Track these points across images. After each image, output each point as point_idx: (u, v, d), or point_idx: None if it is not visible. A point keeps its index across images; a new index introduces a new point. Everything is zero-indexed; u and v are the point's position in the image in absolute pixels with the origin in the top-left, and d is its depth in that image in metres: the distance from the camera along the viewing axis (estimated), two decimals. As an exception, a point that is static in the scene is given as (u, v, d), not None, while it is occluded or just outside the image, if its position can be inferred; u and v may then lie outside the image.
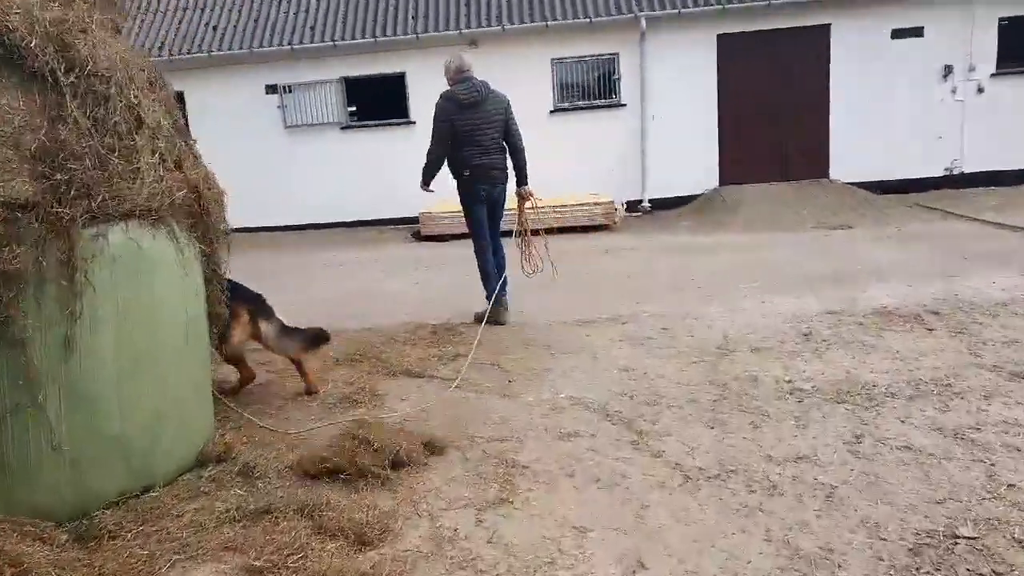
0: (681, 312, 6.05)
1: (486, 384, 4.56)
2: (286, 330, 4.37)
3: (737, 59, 12.35)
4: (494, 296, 5.72)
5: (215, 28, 12.63)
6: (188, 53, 12.27)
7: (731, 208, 11.68)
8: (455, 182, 5.87)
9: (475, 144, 5.62)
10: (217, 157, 12.15)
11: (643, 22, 12.15)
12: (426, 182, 5.97)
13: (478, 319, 5.77)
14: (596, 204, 11.29)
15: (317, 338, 4.46)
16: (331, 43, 12.28)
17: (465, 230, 6.34)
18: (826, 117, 12.44)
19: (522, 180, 5.97)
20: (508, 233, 6.37)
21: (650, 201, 12.70)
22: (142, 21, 12.81)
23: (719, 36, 12.29)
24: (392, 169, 12.80)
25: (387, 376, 4.80)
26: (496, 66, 12.56)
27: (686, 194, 12.65)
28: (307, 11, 12.76)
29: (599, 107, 12.76)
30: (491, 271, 5.87)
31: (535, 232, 6.20)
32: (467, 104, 5.58)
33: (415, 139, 12.74)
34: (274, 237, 12.23)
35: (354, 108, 12.97)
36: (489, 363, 4.98)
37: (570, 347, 5.26)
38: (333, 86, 12.61)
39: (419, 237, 11.26)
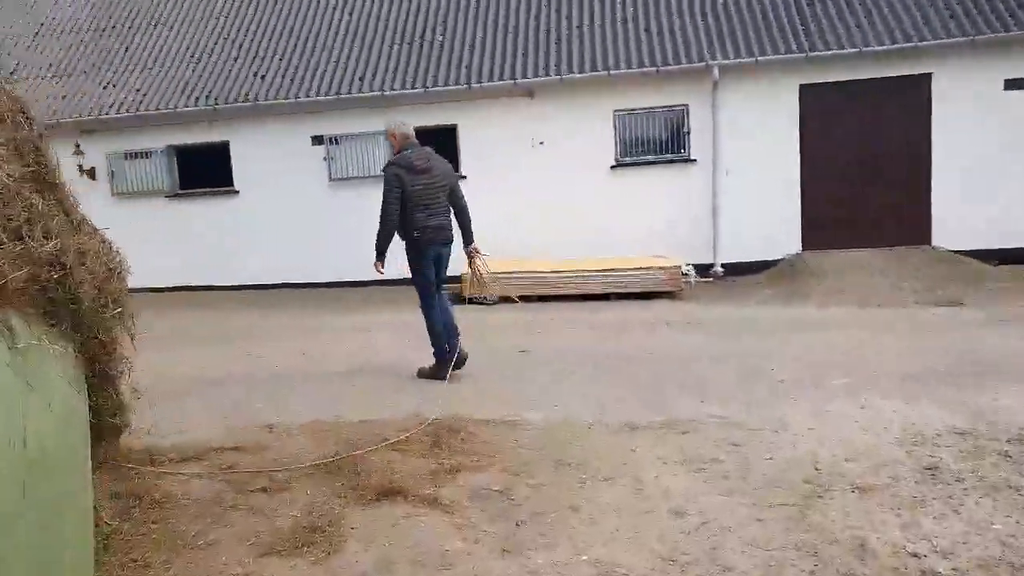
0: (757, 418, 4.75)
1: (485, 528, 3.38)
2: None
3: (822, 111, 11.06)
4: (454, 350, 5.98)
5: (263, 77, 12.18)
6: (235, 102, 11.81)
7: (816, 276, 10.25)
8: (404, 244, 5.96)
9: (426, 207, 5.78)
10: (261, 210, 11.53)
11: (716, 71, 11.04)
12: (381, 254, 6.01)
13: (424, 375, 6.03)
14: (660, 268, 10.05)
15: None
16: (379, 93, 11.61)
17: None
18: (927, 176, 10.93)
19: (469, 240, 6.20)
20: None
21: (723, 266, 11.37)
22: (192, 69, 12.48)
23: (802, 87, 11.04)
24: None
25: (361, 501, 3.68)
26: (553, 118, 11.68)
27: (763, 259, 11.27)
28: (357, 60, 12.19)
29: (666, 162, 11.62)
30: (440, 330, 6.01)
31: (495, 279, 6.59)
32: (419, 169, 5.74)
33: (467, 193, 11.89)
34: (318, 294, 11.45)
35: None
36: (498, 488, 3.81)
37: (609, 468, 4.03)
38: (381, 138, 11.91)
39: (461, 298, 10.25)
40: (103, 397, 2.69)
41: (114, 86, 12.47)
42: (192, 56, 12.75)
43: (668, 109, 11.54)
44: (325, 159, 12.00)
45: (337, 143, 11.97)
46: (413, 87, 11.61)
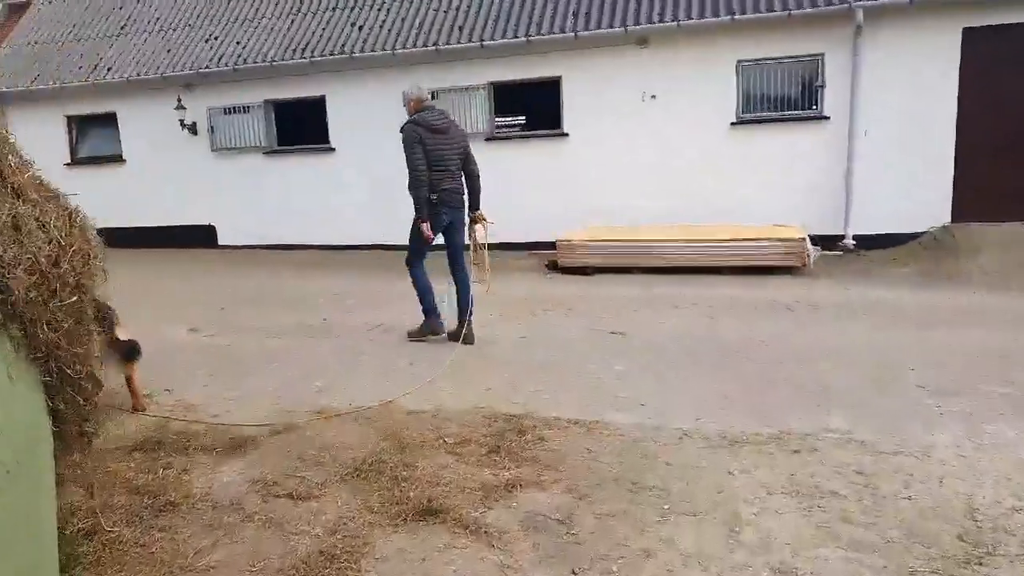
0: (891, 438, 3.82)
1: (533, 573, 2.72)
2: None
3: (989, 60, 9.40)
4: (435, 319, 6.02)
5: (360, 28, 11.71)
6: (331, 54, 11.43)
7: (968, 254, 8.81)
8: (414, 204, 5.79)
9: (443, 169, 5.70)
10: (355, 168, 11.19)
11: (860, 14, 9.59)
12: (424, 215, 5.73)
13: (413, 335, 6.09)
14: (781, 240, 8.90)
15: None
16: (478, 43, 10.89)
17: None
18: (1118, 138, 9.13)
19: (476, 205, 6.08)
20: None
21: (855, 238, 10.04)
22: (291, 23, 12.19)
23: (965, 31, 9.42)
24: (538, 186, 11.21)
25: (395, 521, 3.10)
26: (669, 69, 10.59)
27: (905, 231, 9.85)
28: (457, 10, 11.48)
29: (794, 119, 10.31)
30: (426, 285, 5.99)
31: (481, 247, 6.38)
32: (437, 129, 5.68)
33: (567, 152, 11.08)
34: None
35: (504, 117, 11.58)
36: (558, 517, 3.13)
37: (698, 498, 3.26)
38: (480, 92, 11.23)
39: (556, 268, 9.51)
40: (64, 402, 2.21)
41: (217, 39, 12.38)
42: (291, 7, 12.44)
43: (799, 59, 10.19)
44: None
45: (434, 98, 11.36)
46: (515, 36, 10.80)
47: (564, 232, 9.87)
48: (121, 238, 13.38)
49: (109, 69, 12.56)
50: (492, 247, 11.46)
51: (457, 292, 6.03)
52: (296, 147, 12.32)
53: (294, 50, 11.70)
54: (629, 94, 10.71)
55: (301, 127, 12.46)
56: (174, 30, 12.83)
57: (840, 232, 10.10)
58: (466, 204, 5.98)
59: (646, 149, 10.73)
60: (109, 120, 12.98)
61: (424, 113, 5.74)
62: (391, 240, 11.74)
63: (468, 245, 6.26)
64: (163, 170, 12.73)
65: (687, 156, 10.59)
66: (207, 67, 11.92)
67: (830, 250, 9.80)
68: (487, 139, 11.35)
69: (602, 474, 3.50)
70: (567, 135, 11.07)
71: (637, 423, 4.13)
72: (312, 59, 11.46)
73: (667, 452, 3.74)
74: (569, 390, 4.75)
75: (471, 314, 5.92)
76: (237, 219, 12.52)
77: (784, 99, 10.40)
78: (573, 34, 10.54)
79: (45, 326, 2.07)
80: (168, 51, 12.46)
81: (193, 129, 12.33)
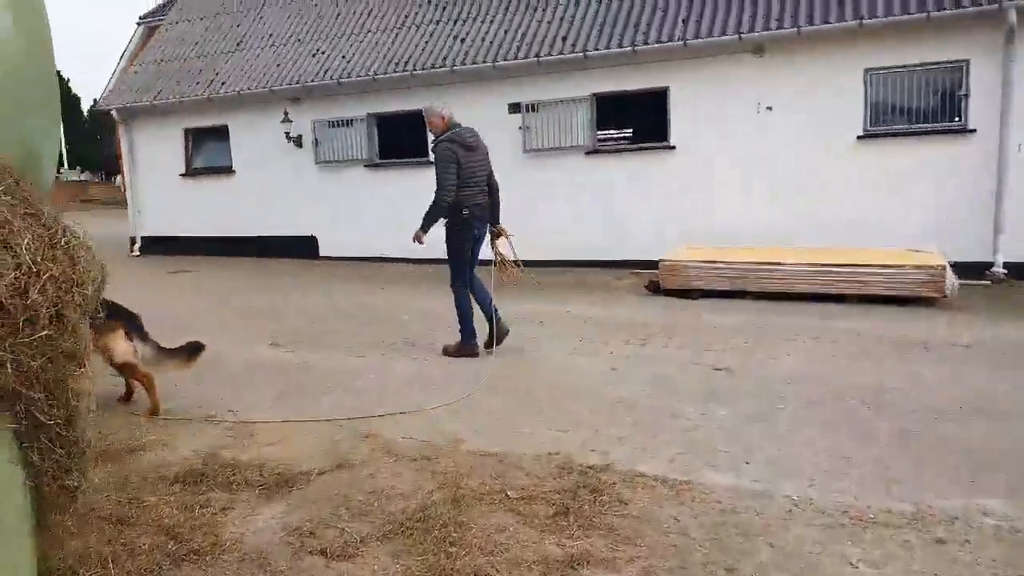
0: (1072, 533, 2.99)
1: None
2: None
3: None
4: (471, 342, 5.99)
5: (462, 40, 11.50)
6: (432, 68, 11.26)
7: None
8: (447, 222, 5.88)
9: (474, 185, 5.78)
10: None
11: (1012, 15, 8.47)
12: (427, 228, 5.88)
13: (449, 352, 6.02)
14: (919, 267, 7.85)
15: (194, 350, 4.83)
16: (581, 54, 10.42)
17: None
18: None
19: (497, 219, 6.19)
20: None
21: (1006, 266, 8.83)
22: (394, 37, 12.15)
23: None
24: (638, 202, 10.59)
25: (434, 600, 2.62)
26: (785, 79, 9.74)
27: (1066, 261, 8.58)
28: (562, 19, 11.07)
29: (931, 132, 9.22)
30: (470, 311, 5.97)
31: (516, 264, 6.46)
32: (470, 147, 5.74)
33: (673, 166, 10.40)
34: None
35: (607, 130, 11.02)
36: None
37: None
38: (582, 105, 10.74)
39: (658, 289, 8.83)
40: (38, 452, 1.88)
41: (323, 53, 12.51)
42: (395, 21, 12.41)
43: (938, 66, 9.12)
44: (521, 128, 11.08)
45: (535, 110, 10.99)
46: (620, 46, 10.26)
47: (668, 251, 9.19)
48: (228, 247, 13.87)
49: (223, 84, 12.95)
50: (591, 264, 11.00)
51: (475, 298, 6.04)
52: (397, 160, 12.24)
53: (396, 63, 11.62)
54: (742, 105, 9.94)
55: (403, 140, 12.38)
56: (284, 45, 13.09)
57: (986, 259, 8.92)
58: (488, 220, 6.11)
59: (760, 164, 9.91)
60: (222, 133, 13.38)
61: (458, 131, 5.79)
62: (487, 255, 11.42)
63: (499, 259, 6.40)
64: (269, 182, 12.97)
65: (806, 171, 9.70)
66: (313, 81, 12.04)
67: (973, 279, 8.64)
68: (588, 152, 10.84)
69: (689, 555, 2.89)
70: (673, 148, 10.39)
71: (737, 486, 3.48)
72: (413, 72, 11.34)
73: (772, 530, 3.08)
74: (660, 438, 4.14)
75: (497, 314, 6.01)
76: (338, 231, 12.56)
77: (919, 110, 9.35)
78: (682, 42, 9.89)
79: (8, 365, 1.74)
80: (277, 65, 12.71)
81: (298, 142, 12.49)
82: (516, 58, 10.82)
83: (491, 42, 11.25)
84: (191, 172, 13.87)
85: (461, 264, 5.93)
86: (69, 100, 36.76)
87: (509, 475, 3.64)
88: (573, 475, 3.63)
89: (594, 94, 10.74)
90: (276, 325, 7.48)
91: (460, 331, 5.98)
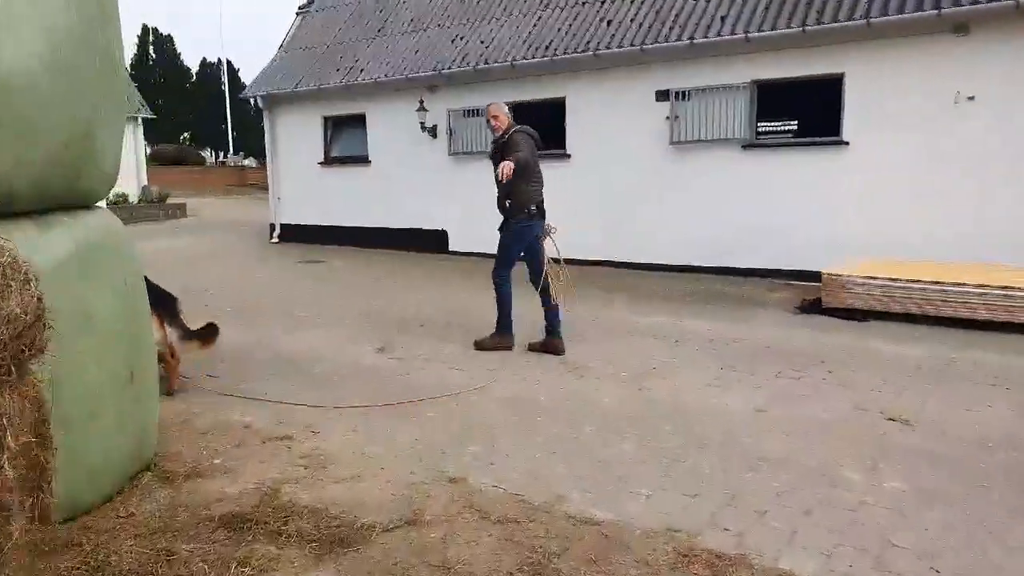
0: None
1: None
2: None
3: None
4: (508, 335, 5.96)
5: (609, 22, 10.60)
6: (574, 52, 10.46)
7: None
8: (512, 217, 5.85)
9: (538, 182, 5.79)
10: (590, 176, 10.18)
11: None
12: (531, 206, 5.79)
13: (482, 346, 5.95)
14: None
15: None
16: (742, 36, 9.23)
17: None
18: None
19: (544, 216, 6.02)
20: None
21: None
22: (537, 19, 11.45)
23: None
24: (799, 204, 9.29)
25: None
26: (997, 63, 8.10)
27: None
28: (721, -4, 9.92)
29: None
30: (511, 304, 5.91)
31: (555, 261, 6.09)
32: (536, 141, 5.75)
33: (846, 165, 9.01)
34: (631, 277, 9.74)
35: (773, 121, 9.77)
36: None
37: None
38: (741, 93, 9.55)
39: (816, 307, 7.58)
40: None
41: (462, 39, 12.03)
42: (540, 2, 11.70)
43: None
44: (668, 118, 10.05)
45: (685, 98, 9.93)
46: (788, 26, 8.99)
47: (833, 262, 7.90)
48: (361, 238, 13.81)
49: (362, 71, 12.81)
50: (730, 272, 9.83)
51: (545, 301, 5.94)
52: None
53: (536, 48, 10.93)
54: (934, 95, 8.41)
55: (538, 132, 11.68)
56: (425, 30, 12.76)
57: None
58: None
59: (954, 165, 8.35)
60: (359, 121, 13.28)
61: (525, 127, 5.81)
62: (620, 256, 10.55)
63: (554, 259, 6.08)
64: (403, 173, 12.71)
65: (1016, 177, 8.03)
66: (449, 68, 11.59)
67: None
68: (745, 146, 9.65)
69: None
70: (847, 144, 9.00)
71: None
72: (554, 58, 10.60)
73: None
74: (813, 517, 3.15)
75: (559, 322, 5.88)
76: (469, 225, 12.07)
77: None
78: (864, 21, 8.48)
79: None
80: (416, 52, 12.39)
81: (433, 132, 12.11)
82: (667, 41, 9.80)
83: (640, 24, 10.29)
84: (329, 161, 13.90)
85: (510, 257, 5.94)
86: (237, 89, 39.23)
87: (613, 558, 2.82)
88: (696, 566, 2.75)
89: (755, 81, 9.52)
90: (388, 327, 7.01)
91: (497, 322, 5.96)
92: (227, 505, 3.27)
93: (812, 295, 7.86)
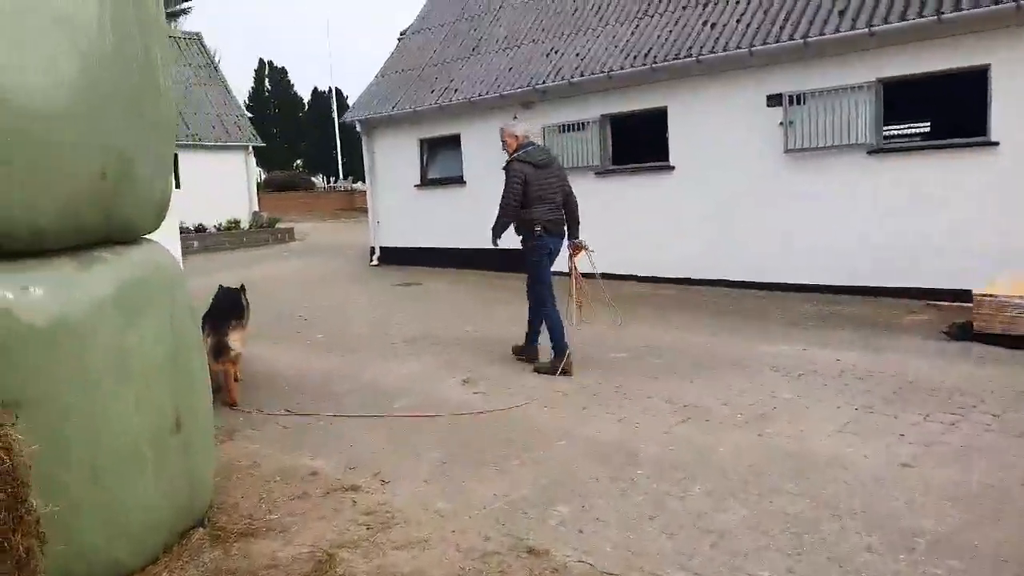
0: None
1: None
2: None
3: None
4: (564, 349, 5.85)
5: (713, 25, 9.89)
6: (675, 59, 9.81)
7: None
8: (521, 238, 6.03)
9: (547, 201, 5.90)
10: (696, 188, 9.48)
11: None
12: (493, 240, 6.07)
13: (542, 370, 5.89)
14: None
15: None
16: (865, 30, 8.32)
17: None
18: None
19: (576, 234, 6.16)
20: None
21: None
22: (635, 27, 10.87)
23: None
24: (937, 214, 8.23)
25: None
26: None
27: None
28: (838, -10, 9.02)
29: None
30: (558, 321, 5.93)
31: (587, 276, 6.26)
32: (539, 165, 5.86)
33: (995, 168, 7.90)
34: (745, 299, 8.92)
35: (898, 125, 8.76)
36: None
37: None
38: (864, 93, 8.61)
39: (964, 333, 6.55)
40: None
41: (557, 52, 11.60)
42: (638, 10, 11.12)
43: None
44: (782, 124, 9.21)
45: (800, 102, 9.07)
46: (920, 15, 8.01)
47: (979, 279, 6.86)
48: (460, 260, 13.54)
49: (456, 91, 12.60)
50: (854, 291, 8.82)
51: (532, 311, 6.13)
52: (630, 166, 10.95)
53: (634, 57, 10.34)
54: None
55: (638, 143, 11.09)
56: (519, 47, 12.42)
57: None
58: (564, 235, 6.09)
59: None
60: (454, 142, 13.08)
61: (529, 150, 5.91)
62: (729, 274, 9.74)
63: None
64: (499, 192, 12.31)
65: None
66: (543, 83, 11.18)
67: None
68: (870, 152, 8.68)
69: None
70: (995, 145, 7.90)
71: None
72: (654, 65, 9.97)
73: None
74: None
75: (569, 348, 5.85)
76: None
77: None
78: (1015, 4, 7.42)
79: None
80: (510, 69, 12.06)
81: (528, 149, 11.71)
82: (778, 41, 8.99)
83: (747, 25, 9.52)
84: (425, 182, 13.76)
85: (544, 280, 5.99)
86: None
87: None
88: None
89: (880, 79, 8.55)
90: (478, 355, 6.59)
91: (552, 347, 5.90)
92: (276, 574, 2.88)
93: (961, 318, 6.84)
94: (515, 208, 5.87)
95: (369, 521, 3.34)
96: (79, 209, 2.59)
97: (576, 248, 6.14)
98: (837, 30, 8.56)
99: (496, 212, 6.02)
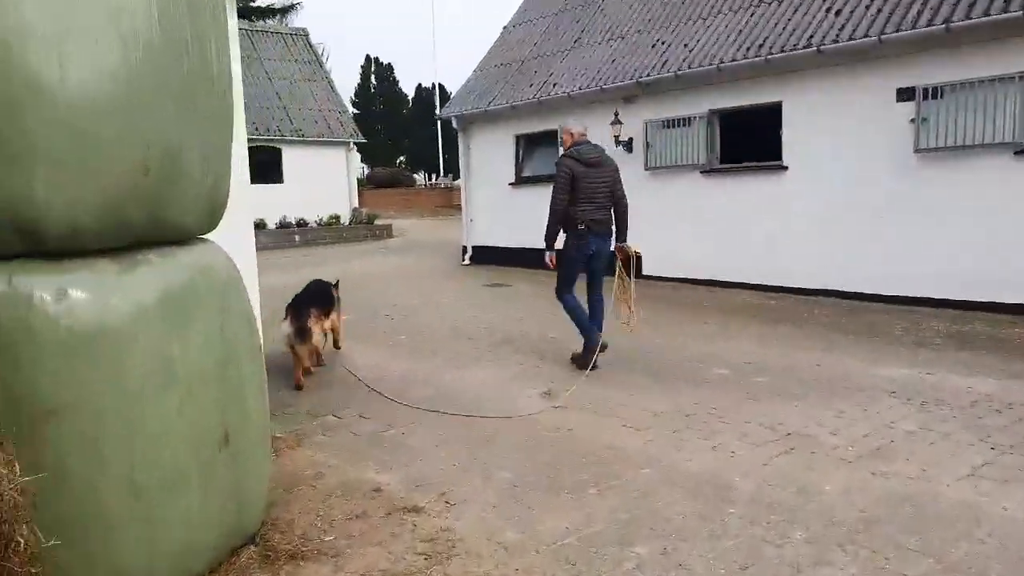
0: None
1: None
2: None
3: None
4: (595, 341, 5.93)
5: (837, 13, 9.08)
6: (792, 50, 9.07)
7: None
8: (565, 236, 6.01)
9: (592, 200, 5.87)
10: (812, 191, 8.75)
11: None
12: (548, 246, 6.03)
13: (582, 364, 5.95)
14: None
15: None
16: (1019, 12, 7.37)
17: None
18: None
19: (623, 237, 6.10)
20: None
21: None
22: (750, 15, 10.16)
23: None
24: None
25: None
26: None
27: None
28: (983, -30, 8.06)
29: None
30: (581, 314, 6.02)
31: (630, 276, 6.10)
32: (590, 163, 5.87)
33: None
34: (858, 310, 8.14)
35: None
36: None
37: None
38: (1013, 87, 7.65)
39: None
40: None
41: (664, 44, 11.04)
42: (753, 2, 10.41)
43: None
44: (913, 120, 8.34)
45: (938, 96, 8.17)
46: (1083, -3, 7.02)
47: None
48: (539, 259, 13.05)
49: (555, 85, 12.24)
50: (1004, 309, 7.85)
51: (590, 313, 6.04)
52: (740, 165, 10.27)
53: (748, 48, 9.67)
54: None
55: (749, 141, 10.39)
56: (623, 38, 11.92)
57: None
58: (613, 234, 6.04)
59: None
60: (551, 139, 12.71)
61: (580, 147, 5.92)
62: (848, 285, 8.95)
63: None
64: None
65: None
66: (647, 76, 10.65)
67: None
68: (1019, 152, 7.70)
69: None
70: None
71: None
72: (769, 56, 9.28)
73: None
74: None
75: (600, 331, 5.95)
76: (666, 246, 10.98)
77: None
78: None
79: None
80: (612, 62, 11.58)
81: (628, 146, 11.21)
82: (914, 27, 8.13)
83: (878, 10, 8.68)
84: (520, 180, 13.46)
85: (569, 275, 6.05)
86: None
87: None
88: None
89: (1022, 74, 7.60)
90: (561, 364, 6.23)
91: (584, 343, 6.01)
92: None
93: None
94: (564, 206, 5.85)
95: (428, 550, 3.06)
96: (121, 206, 2.41)
97: (621, 251, 6.09)
98: (987, 13, 7.64)
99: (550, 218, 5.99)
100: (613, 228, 6.03)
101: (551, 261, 6.04)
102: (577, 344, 6.23)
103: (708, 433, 4.45)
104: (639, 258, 6.11)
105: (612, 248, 6.05)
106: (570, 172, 5.80)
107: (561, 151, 6.19)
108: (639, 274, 6.19)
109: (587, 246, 5.90)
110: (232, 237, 3.28)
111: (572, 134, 6.06)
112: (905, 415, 4.69)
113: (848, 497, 3.49)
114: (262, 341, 4.40)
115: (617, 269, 6.15)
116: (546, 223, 5.96)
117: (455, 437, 4.46)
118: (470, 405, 5.11)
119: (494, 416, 4.86)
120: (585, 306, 6.06)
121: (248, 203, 4.32)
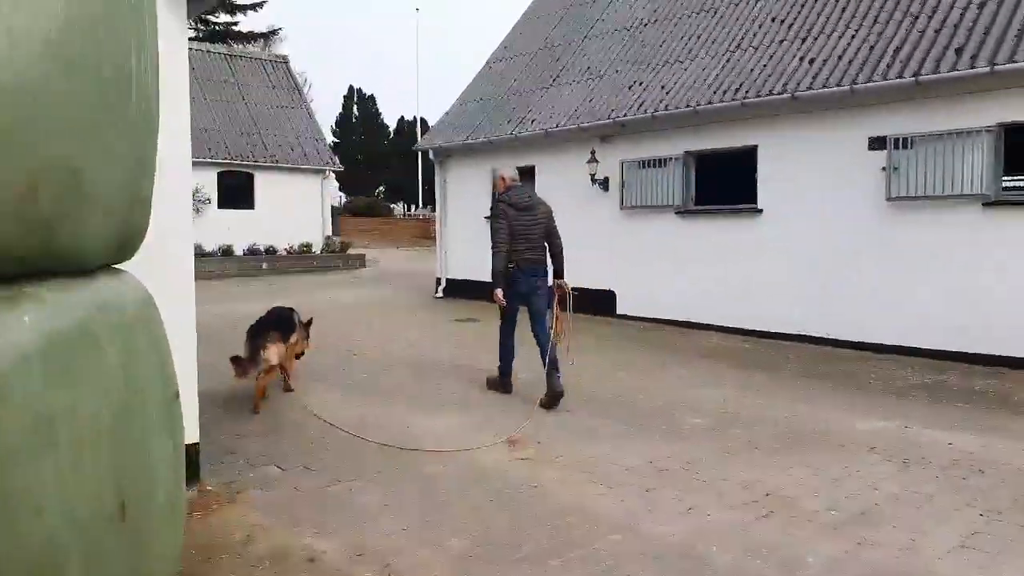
0: None
1: None
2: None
3: None
4: (507, 374, 6.52)
5: (811, 61, 9.05)
6: (768, 95, 9.01)
7: None
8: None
9: (525, 241, 6.17)
10: (786, 235, 8.48)
11: None
12: (496, 284, 6.19)
13: (491, 385, 6.63)
14: None
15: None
16: (986, 68, 7.35)
17: None
18: None
19: (560, 274, 6.43)
20: None
21: None
22: (727, 60, 10.13)
23: None
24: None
25: None
26: None
27: None
28: (956, 26, 8.08)
29: None
30: (510, 350, 6.47)
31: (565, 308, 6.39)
32: (521, 207, 6.16)
33: None
34: (828, 357, 7.94)
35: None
36: None
37: None
38: (980, 139, 7.61)
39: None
40: None
41: (640, 84, 10.97)
42: (730, 43, 10.39)
43: None
44: (884, 169, 8.27)
45: (908, 146, 8.12)
46: (1056, 53, 7.03)
47: None
48: (519, 296, 12.75)
49: (533, 121, 12.11)
50: (979, 360, 7.68)
51: (538, 343, 6.23)
52: (714, 207, 10.15)
53: (724, 92, 9.60)
54: None
55: (723, 183, 10.29)
56: (600, 77, 11.85)
57: None
58: (549, 273, 6.30)
59: None
60: (529, 174, 12.54)
61: (512, 192, 6.21)
62: (822, 330, 8.78)
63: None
64: (571, 229, 11.67)
65: None
66: (624, 116, 10.55)
67: None
68: (987, 204, 7.68)
69: None
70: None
71: None
72: (744, 101, 9.21)
73: None
74: None
75: (558, 372, 6.06)
76: (640, 286, 10.79)
77: None
78: None
79: None
80: (589, 100, 11.49)
81: (604, 185, 11.06)
82: (885, 79, 8.10)
83: (849, 61, 8.67)
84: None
85: (506, 311, 6.33)
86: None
87: None
88: None
89: (1001, 124, 7.56)
90: (526, 411, 5.89)
91: (499, 369, 6.52)
92: None
93: None
94: (504, 248, 6.07)
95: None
96: (3, 231, 2.07)
97: (560, 289, 6.36)
98: (954, 68, 7.64)
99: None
100: (549, 267, 6.31)
101: (499, 298, 6.20)
102: (543, 387, 5.96)
103: (682, 491, 4.15)
104: (575, 296, 6.39)
105: (550, 285, 6.30)
106: (505, 215, 6.08)
107: (498, 194, 6.41)
108: (576, 309, 6.50)
109: (518, 284, 6.15)
110: (163, 267, 2.95)
111: (504, 179, 6.34)
112: (887, 475, 4.44)
113: (834, 572, 3.20)
114: (195, 381, 4.03)
115: (554, 305, 6.37)
116: (492, 265, 6.15)
117: (407, 495, 4.10)
118: (426, 459, 4.75)
119: (454, 472, 4.51)
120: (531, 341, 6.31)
121: (188, 228, 4.00)
